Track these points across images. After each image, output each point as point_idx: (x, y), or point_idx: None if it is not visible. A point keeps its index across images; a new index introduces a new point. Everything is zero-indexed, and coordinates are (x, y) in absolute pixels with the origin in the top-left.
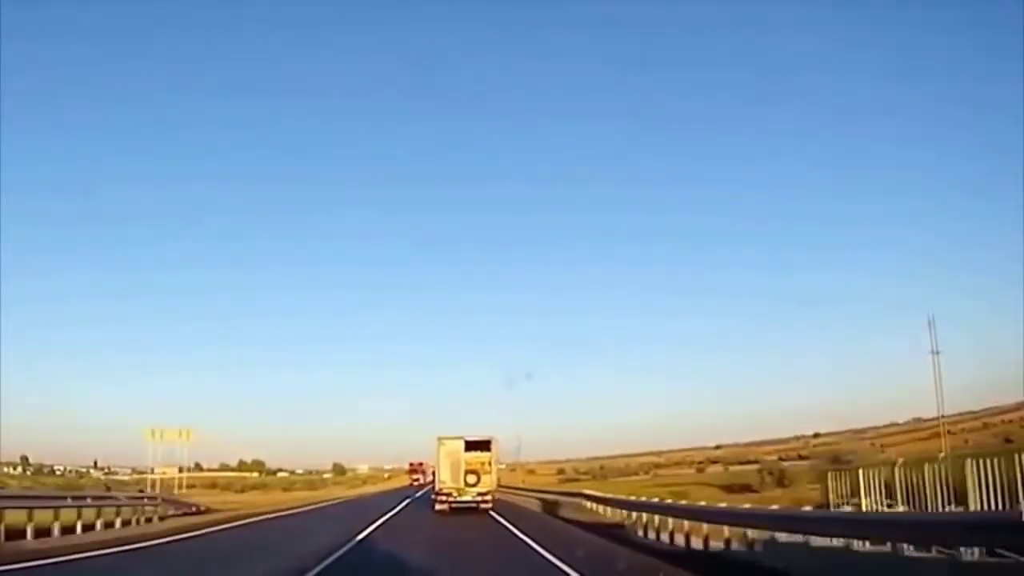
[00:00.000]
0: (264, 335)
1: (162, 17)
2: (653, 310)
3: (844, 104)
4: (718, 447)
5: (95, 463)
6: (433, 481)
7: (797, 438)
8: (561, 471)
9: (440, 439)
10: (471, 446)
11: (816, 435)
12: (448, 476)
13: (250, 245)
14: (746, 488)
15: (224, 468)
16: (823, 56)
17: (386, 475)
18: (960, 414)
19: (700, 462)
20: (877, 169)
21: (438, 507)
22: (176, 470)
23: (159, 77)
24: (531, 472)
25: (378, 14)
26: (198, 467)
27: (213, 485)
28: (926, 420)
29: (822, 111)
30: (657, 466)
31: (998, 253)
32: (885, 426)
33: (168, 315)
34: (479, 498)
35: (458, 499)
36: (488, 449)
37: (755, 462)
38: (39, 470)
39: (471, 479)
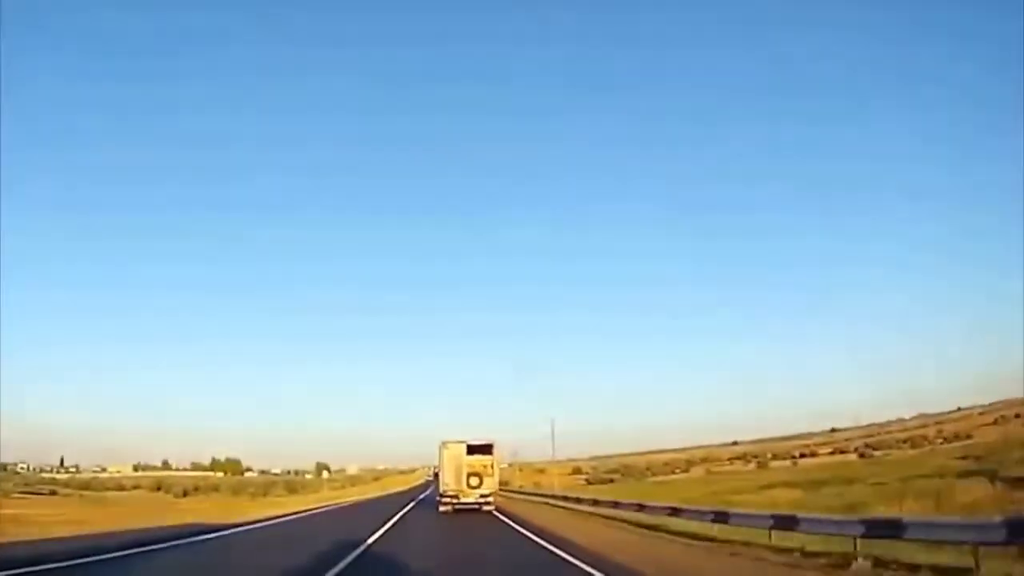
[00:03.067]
0: (257, 333)
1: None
2: (661, 310)
3: (863, 103)
4: (735, 443)
5: (61, 461)
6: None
7: (812, 434)
8: (577, 470)
9: (443, 443)
10: (473, 450)
11: (833, 430)
12: (451, 479)
13: (246, 244)
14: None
15: (196, 467)
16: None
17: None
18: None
19: (739, 458)
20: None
21: (442, 508)
22: (131, 468)
23: (158, 78)
24: (541, 471)
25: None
26: (166, 465)
27: (158, 487)
28: (931, 415)
29: (840, 109)
30: (691, 463)
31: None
32: (893, 421)
33: (161, 313)
34: (481, 499)
35: (462, 500)
36: (490, 452)
37: (807, 455)
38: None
39: (474, 481)
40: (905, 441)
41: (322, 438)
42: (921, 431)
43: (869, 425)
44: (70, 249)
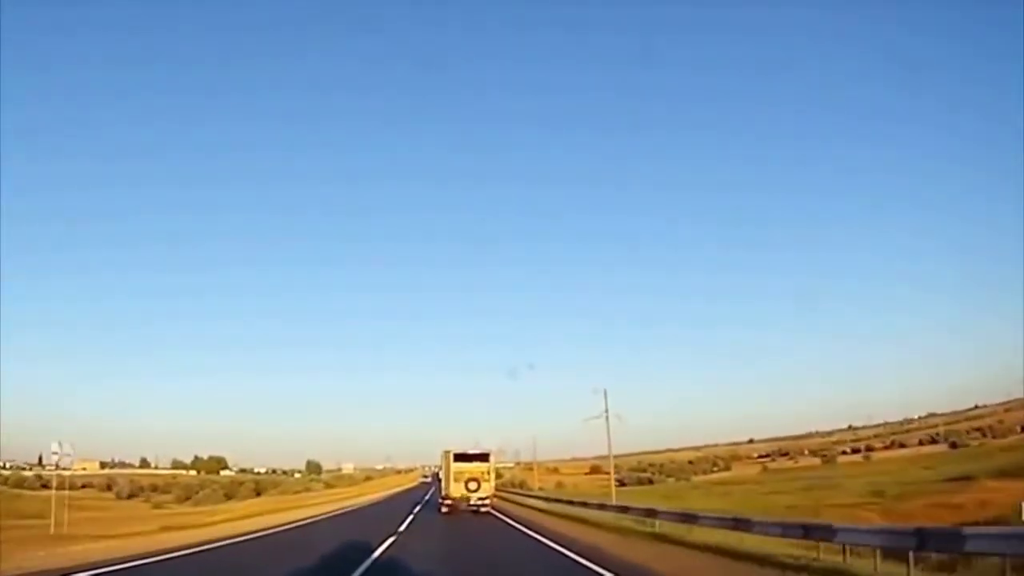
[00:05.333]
0: (258, 335)
1: (170, 18)
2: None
3: (867, 111)
4: (751, 441)
5: (40, 459)
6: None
7: (830, 432)
8: (595, 469)
9: (446, 452)
10: (473, 458)
11: (850, 427)
12: (452, 483)
13: (234, 247)
14: None
15: (176, 465)
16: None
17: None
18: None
19: (783, 454)
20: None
21: (444, 509)
22: (97, 466)
23: (168, 77)
24: (554, 471)
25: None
26: (144, 463)
27: (108, 487)
28: (939, 415)
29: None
30: (724, 460)
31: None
32: (900, 421)
33: (161, 317)
34: (479, 501)
35: (460, 503)
36: (487, 460)
37: (859, 451)
38: None
39: (472, 486)
40: (971, 432)
41: (320, 437)
42: (982, 422)
43: (884, 424)
44: (63, 253)
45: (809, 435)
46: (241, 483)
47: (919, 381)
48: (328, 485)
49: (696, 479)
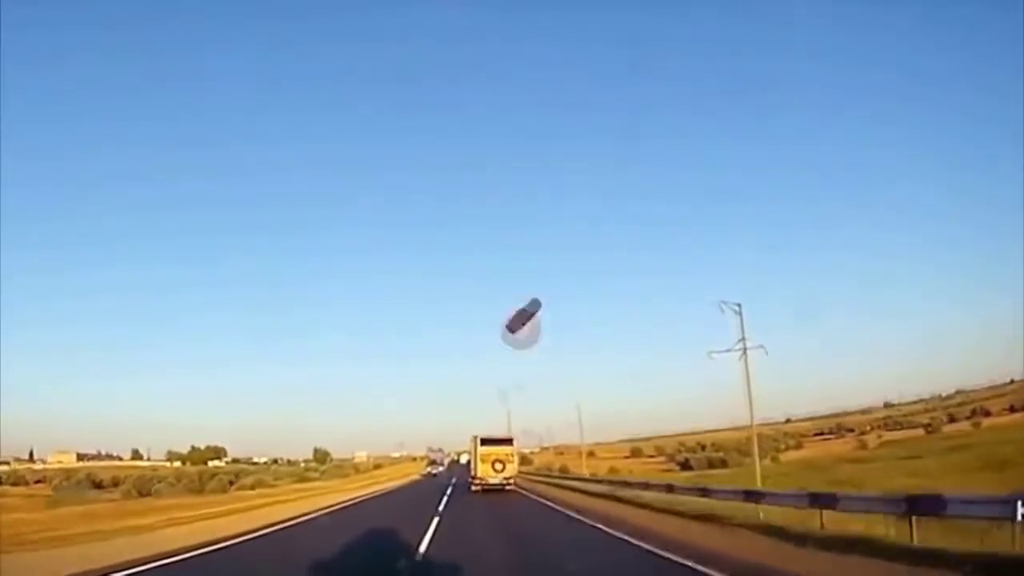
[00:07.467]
0: (278, 325)
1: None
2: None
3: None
4: (788, 420)
5: (31, 453)
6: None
7: (871, 409)
8: (635, 452)
9: (474, 437)
10: (498, 442)
11: (886, 404)
12: (480, 466)
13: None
14: None
15: (172, 456)
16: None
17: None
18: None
19: (847, 430)
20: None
21: (474, 488)
22: (74, 457)
23: (158, 71)
24: (591, 455)
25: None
26: (136, 455)
27: (67, 477)
28: (967, 391)
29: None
30: (784, 439)
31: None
32: (932, 397)
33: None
34: (505, 481)
35: (489, 482)
36: (511, 444)
37: (953, 420)
38: None
39: (498, 467)
40: None
41: (336, 425)
42: None
43: (917, 400)
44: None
45: (844, 413)
46: (213, 475)
47: (922, 361)
48: (303, 480)
49: (784, 457)
